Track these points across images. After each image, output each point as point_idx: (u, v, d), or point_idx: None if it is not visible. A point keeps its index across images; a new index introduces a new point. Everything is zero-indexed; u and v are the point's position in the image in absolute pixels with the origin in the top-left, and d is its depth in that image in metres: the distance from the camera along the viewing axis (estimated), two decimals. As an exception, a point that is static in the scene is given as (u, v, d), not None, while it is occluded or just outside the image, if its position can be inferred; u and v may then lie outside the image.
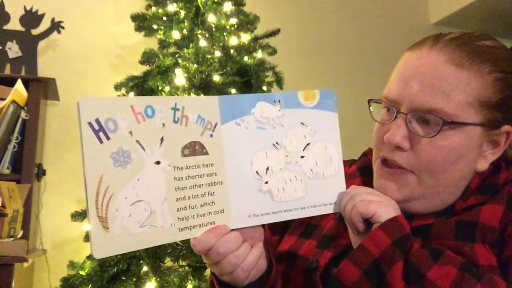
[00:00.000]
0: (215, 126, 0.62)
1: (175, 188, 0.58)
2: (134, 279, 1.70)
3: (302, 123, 0.66)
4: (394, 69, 0.73)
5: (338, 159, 0.67)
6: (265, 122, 0.64)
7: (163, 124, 0.58)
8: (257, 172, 0.64)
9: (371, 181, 0.76)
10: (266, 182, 0.64)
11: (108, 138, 0.54)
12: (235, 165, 0.63)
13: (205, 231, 0.60)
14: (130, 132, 0.56)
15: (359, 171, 0.81)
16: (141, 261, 1.71)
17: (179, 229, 0.58)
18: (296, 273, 0.74)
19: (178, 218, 0.58)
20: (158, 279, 1.68)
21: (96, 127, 0.54)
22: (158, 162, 0.57)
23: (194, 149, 0.60)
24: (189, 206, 0.59)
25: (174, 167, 0.58)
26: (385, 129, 0.70)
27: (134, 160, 0.56)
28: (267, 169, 0.64)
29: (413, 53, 0.71)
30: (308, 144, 0.66)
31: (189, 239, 0.61)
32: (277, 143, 0.64)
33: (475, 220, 0.65)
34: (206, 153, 0.61)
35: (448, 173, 0.68)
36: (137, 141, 0.56)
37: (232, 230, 0.62)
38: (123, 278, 1.70)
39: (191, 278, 1.70)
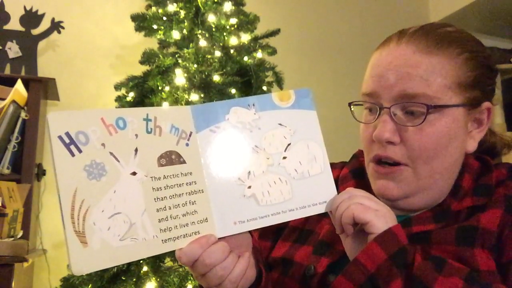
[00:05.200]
0: (190, 135, 0.61)
1: (154, 199, 0.57)
2: (134, 279, 1.69)
3: (280, 124, 0.64)
4: (366, 71, 0.74)
5: (323, 157, 0.65)
6: (241, 127, 0.63)
7: (136, 135, 0.57)
8: (238, 177, 0.62)
9: (365, 184, 0.75)
10: (249, 187, 0.62)
11: (80, 151, 0.53)
12: (215, 173, 0.61)
13: (191, 242, 0.58)
14: (103, 144, 0.55)
15: (352, 174, 0.80)
16: (141, 261, 1.71)
17: (162, 240, 0.56)
18: (291, 280, 0.72)
19: (160, 229, 0.56)
20: (158, 279, 1.68)
21: (67, 140, 0.53)
22: (134, 173, 0.56)
23: (170, 158, 0.59)
24: (171, 216, 0.57)
25: (151, 177, 0.57)
26: (371, 129, 0.71)
27: (108, 172, 0.54)
28: (249, 173, 0.62)
29: (381, 52, 0.72)
30: (289, 144, 0.64)
31: None
32: (256, 146, 0.63)
33: (475, 225, 0.65)
34: (184, 162, 0.60)
35: (441, 159, 0.68)
36: (111, 153, 0.55)
37: (219, 239, 0.60)
38: (123, 278, 1.70)
39: (191, 278, 1.70)
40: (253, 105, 0.64)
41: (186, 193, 0.59)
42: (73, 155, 0.53)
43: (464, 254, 0.62)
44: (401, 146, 0.68)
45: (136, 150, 0.57)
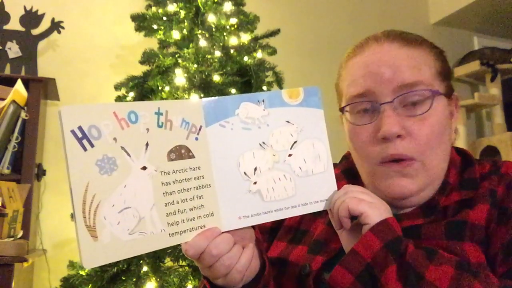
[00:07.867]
0: (200, 129, 0.61)
1: (163, 193, 0.57)
2: (134, 279, 1.69)
3: (288, 121, 0.65)
4: (342, 79, 0.76)
5: (327, 156, 0.66)
6: (250, 123, 0.64)
7: (147, 129, 0.57)
8: (245, 173, 0.63)
9: (357, 184, 0.75)
10: (255, 183, 0.63)
11: (92, 145, 0.53)
12: (223, 167, 0.62)
13: (196, 235, 0.59)
14: (114, 139, 0.55)
15: (344, 174, 0.81)
16: (141, 261, 1.71)
17: (169, 234, 0.57)
18: (288, 279, 0.73)
19: (168, 224, 0.57)
20: (158, 279, 1.68)
21: (79, 135, 0.53)
22: (144, 168, 0.56)
23: (180, 153, 0.59)
24: (178, 211, 0.58)
25: (161, 172, 0.57)
26: (371, 129, 0.71)
27: (119, 166, 0.55)
28: (255, 169, 0.63)
29: (363, 53, 0.74)
30: (295, 142, 0.65)
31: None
32: (263, 142, 0.64)
33: (464, 220, 0.66)
34: (193, 157, 0.60)
35: (442, 147, 0.71)
36: (122, 147, 0.55)
37: (223, 232, 0.61)
38: (123, 278, 1.70)
39: (191, 278, 1.70)
40: (263, 101, 0.64)
41: (194, 187, 0.60)
42: (85, 149, 0.53)
43: (454, 248, 0.64)
44: (408, 140, 0.69)
45: (147, 144, 0.57)
